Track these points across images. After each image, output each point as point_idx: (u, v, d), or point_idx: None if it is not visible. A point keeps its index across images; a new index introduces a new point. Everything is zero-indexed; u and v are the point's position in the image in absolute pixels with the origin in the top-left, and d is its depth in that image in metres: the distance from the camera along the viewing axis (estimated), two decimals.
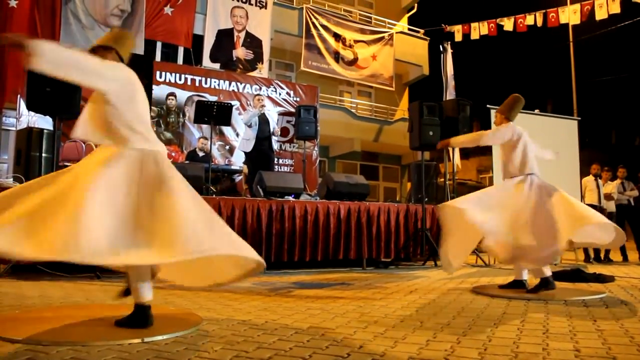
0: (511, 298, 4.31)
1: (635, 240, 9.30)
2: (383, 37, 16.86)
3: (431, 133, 7.40)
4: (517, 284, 4.82)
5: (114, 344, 2.53)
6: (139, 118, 2.96)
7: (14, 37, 2.52)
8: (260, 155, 9.06)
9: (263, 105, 9.29)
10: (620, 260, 8.58)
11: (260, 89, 11.38)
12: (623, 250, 8.97)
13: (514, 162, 4.82)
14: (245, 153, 9.25)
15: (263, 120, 9.03)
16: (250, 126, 8.99)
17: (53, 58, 2.57)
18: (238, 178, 9.67)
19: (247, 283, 5.26)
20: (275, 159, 10.73)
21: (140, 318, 2.88)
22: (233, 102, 10.06)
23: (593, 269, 6.68)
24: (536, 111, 9.64)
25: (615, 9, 12.09)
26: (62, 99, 5.64)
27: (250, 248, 2.94)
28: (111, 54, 3.03)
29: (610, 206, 9.25)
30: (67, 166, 4.10)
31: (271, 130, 9.31)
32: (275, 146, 10.46)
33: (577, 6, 12.78)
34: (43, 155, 6.14)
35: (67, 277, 5.26)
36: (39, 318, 3.12)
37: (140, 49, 11.08)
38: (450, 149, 8.58)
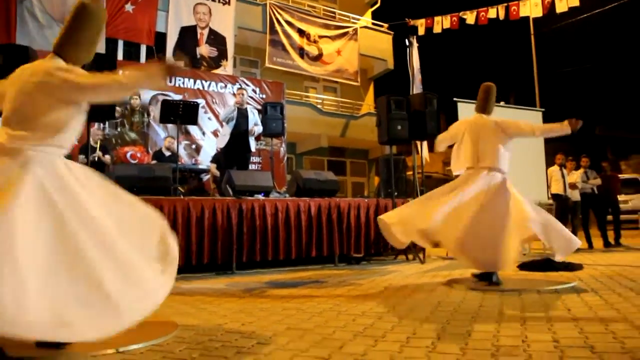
0: (486, 290, 4.34)
1: (599, 228, 9.50)
2: (347, 32, 16.88)
3: (399, 127, 7.41)
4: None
5: (87, 355, 2.45)
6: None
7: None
8: (234, 151, 8.56)
9: (239, 102, 8.69)
10: (585, 247, 8.74)
11: (226, 86, 11.24)
12: (588, 237, 9.16)
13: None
14: (220, 149, 8.84)
15: (241, 114, 8.62)
16: (227, 122, 8.59)
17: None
18: (205, 177, 9.52)
19: (220, 285, 5.19)
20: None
21: None
22: (199, 101, 9.90)
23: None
24: (502, 103, 9.78)
25: (574, 1, 12.33)
26: None
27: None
28: None
29: (575, 195, 9.40)
30: None
31: (249, 126, 8.69)
32: (253, 144, 9.15)
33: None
34: None
35: None
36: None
37: (101, 48, 10.81)
38: (419, 143, 8.58)
